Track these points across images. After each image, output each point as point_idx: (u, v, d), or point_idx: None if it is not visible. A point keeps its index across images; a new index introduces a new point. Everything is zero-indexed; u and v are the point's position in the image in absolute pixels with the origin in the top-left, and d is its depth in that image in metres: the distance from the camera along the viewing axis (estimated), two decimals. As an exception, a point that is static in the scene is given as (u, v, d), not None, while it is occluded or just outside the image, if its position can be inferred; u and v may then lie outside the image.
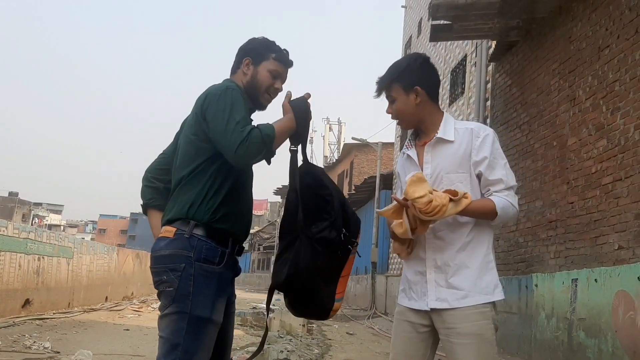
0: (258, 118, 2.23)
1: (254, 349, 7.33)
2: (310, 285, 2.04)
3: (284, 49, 2.29)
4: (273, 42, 2.28)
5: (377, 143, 20.85)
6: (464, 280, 2.02)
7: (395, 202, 2.04)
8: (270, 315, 14.79)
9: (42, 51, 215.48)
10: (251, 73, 2.23)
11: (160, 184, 2.29)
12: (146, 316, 10.75)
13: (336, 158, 36.17)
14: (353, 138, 22.65)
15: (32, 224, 54.15)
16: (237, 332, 6.87)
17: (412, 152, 2.19)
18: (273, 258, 37.23)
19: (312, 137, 43.16)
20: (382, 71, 2.22)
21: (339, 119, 44.19)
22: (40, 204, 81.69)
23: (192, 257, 2.02)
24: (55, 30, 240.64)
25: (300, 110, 2.13)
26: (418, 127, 2.21)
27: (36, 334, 6.97)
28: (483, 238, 2.07)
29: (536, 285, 6.37)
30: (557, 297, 5.85)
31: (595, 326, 5.03)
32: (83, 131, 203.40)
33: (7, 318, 8.08)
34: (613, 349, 4.72)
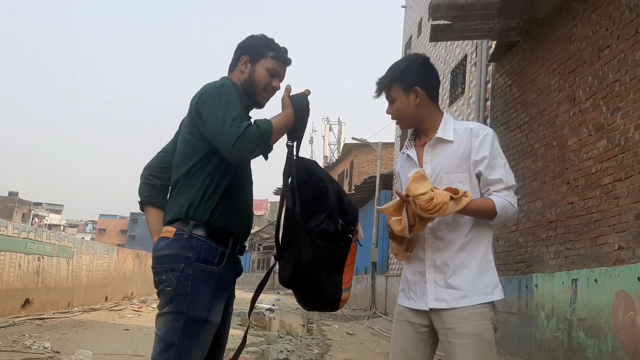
0: (257, 115, 2.23)
1: (254, 349, 7.37)
2: (315, 280, 2.05)
3: (283, 47, 2.27)
4: (272, 40, 2.27)
5: (377, 143, 20.85)
6: (462, 280, 2.02)
7: (396, 199, 2.04)
8: (270, 315, 14.81)
9: (42, 51, 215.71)
10: (249, 71, 2.22)
11: (157, 182, 2.29)
12: (146, 316, 10.74)
13: (336, 158, 36.18)
14: (353, 138, 22.66)
15: (32, 224, 54.15)
16: (237, 332, 6.87)
17: (412, 152, 2.19)
18: (273, 258, 37.16)
19: (312, 137, 43.32)
20: (382, 71, 2.23)
21: (339, 119, 44.23)
22: (40, 204, 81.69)
23: (192, 258, 2.02)
24: (55, 30, 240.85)
25: (299, 106, 2.12)
26: (418, 127, 2.21)
27: (36, 334, 6.97)
28: (482, 238, 2.07)
29: (536, 286, 6.37)
30: (557, 298, 5.85)
31: (595, 326, 5.03)
32: (83, 131, 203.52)
33: (7, 318, 8.08)
34: (613, 349, 4.72)
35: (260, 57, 2.22)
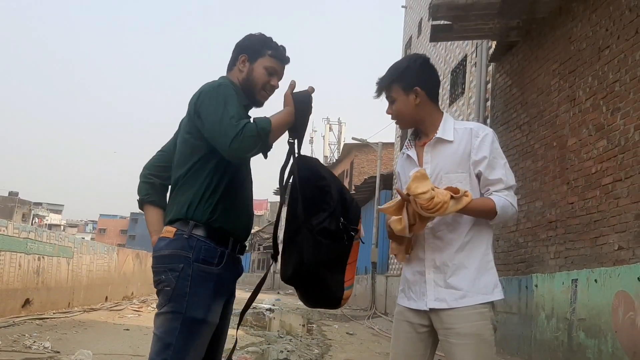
0: (256, 114, 2.23)
1: (254, 349, 7.36)
2: (317, 278, 2.05)
3: (281, 46, 2.27)
4: (270, 39, 2.27)
5: (377, 143, 20.85)
6: (462, 280, 2.02)
7: (397, 199, 2.04)
8: (270, 314, 14.80)
9: (42, 51, 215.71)
10: (247, 70, 2.22)
11: (157, 180, 2.29)
12: (146, 316, 10.74)
13: (336, 158, 36.18)
14: (353, 138, 22.65)
15: (32, 224, 54.17)
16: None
17: (412, 152, 2.20)
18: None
19: (312, 137, 43.29)
20: (382, 71, 2.23)
21: (339, 119, 44.26)
22: (40, 204, 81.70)
23: (191, 258, 2.02)
24: (55, 30, 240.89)
25: (301, 103, 2.11)
26: (418, 128, 2.22)
27: (36, 334, 6.97)
28: (482, 238, 2.07)
29: (536, 286, 6.37)
30: (557, 298, 5.85)
31: (595, 326, 5.03)
32: (83, 131, 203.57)
33: (7, 318, 8.08)
34: (613, 349, 4.72)
35: (259, 56, 2.22)
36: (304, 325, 12.48)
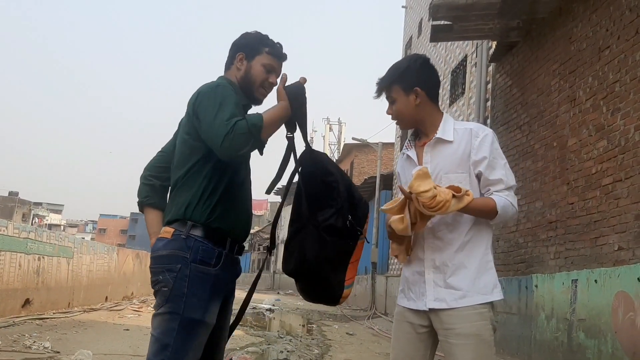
0: (257, 110, 2.21)
1: (254, 349, 7.37)
2: (319, 275, 2.04)
3: (278, 43, 2.27)
4: (266, 36, 2.27)
5: (377, 143, 20.85)
6: (462, 281, 2.02)
7: (400, 198, 2.03)
8: (270, 315, 14.80)
9: (42, 51, 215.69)
10: (245, 68, 2.22)
11: (157, 182, 2.29)
12: (146, 316, 10.73)
13: (336, 158, 36.16)
14: (353, 138, 22.65)
15: (32, 224, 54.18)
16: (237, 332, 6.87)
17: (412, 153, 2.20)
18: (273, 258, 37.27)
19: (312, 138, 43.26)
20: (383, 71, 2.23)
21: (339, 119, 44.23)
22: (40, 204, 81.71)
23: (188, 258, 2.01)
24: (54, 31, 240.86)
25: (295, 96, 2.09)
26: (418, 128, 2.22)
27: (36, 334, 6.97)
28: (481, 238, 2.07)
29: (536, 286, 6.37)
30: (557, 298, 5.84)
31: (595, 327, 5.03)
32: (83, 131, 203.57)
33: (7, 318, 8.08)
34: (613, 349, 4.72)
35: (256, 54, 2.22)
36: (303, 326, 12.48)
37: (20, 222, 33.26)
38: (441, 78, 2.50)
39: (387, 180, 18.78)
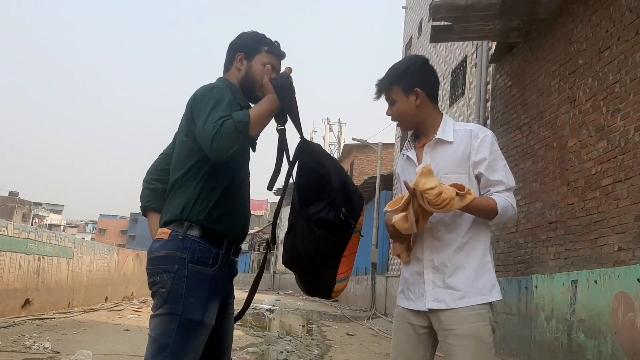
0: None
1: (254, 349, 7.36)
2: (309, 268, 2.04)
3: (275, 41, 2.26)
4: (263, 35, 2.26)
5: (377, 144, 20.85)
6: (461, 281, 2.02)
7: (402, 197, 2.02)
8: (270, 315, 14.80)
9: (42, 51, 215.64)
10: (245, 68, 2.21)
11: (159, 185, 2.28)
12: (146, 316, 10.70)
13: (336, 159, 36.12)
14: (353, 139, 22.63)
15: (32, 224, 54.18)
16: (237, 333, 6.87)
17: (412, 154, 2.20)
18: (273, 258, 37.26)
19: (312, 138, 43.31)
20: (383, 72, 2.23)
21: (339, 119, 44.16)
22: (40, 204, 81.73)
23: (186, 259, 2.01)
24: (54, 31, 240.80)
25: (281, 87, 2.07)
26: (418, 129, 2.22)
27: (36, 334, 6.97)
28: (480, 239, 2.08)
29: (536, 287, 6.37)
30: (557, 299, 5.85)
31: (595, 327, 5.03)
32: (83, 131, 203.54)
33: (7, 318, 8.08)
34: (613, 350, 4.72)
35: (255, 53, 2.21)
36: (303, 326, 12.48)
37: (20, 222, 33.27)
38: (441, 79, 2.51)
39: (387, 181, 18.77)
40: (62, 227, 79.00)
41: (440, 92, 2.31)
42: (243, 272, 52.40)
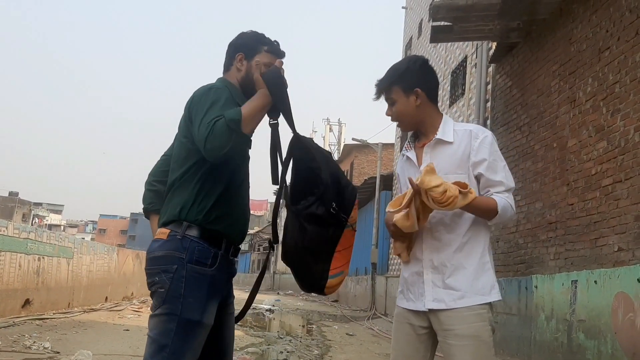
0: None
1: (254, 349, 7.36)
2: (299, 263, 2.03)
3: (275, 40, 2.26)
4: (263, 35, 2.25)
5: (377, 144, 20.85)
6: (460, 281, 2.02)
7: (406, 196, 2.01)
8: (270, 315, 14.81)
9: (41, 52, 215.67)
10: (245, 68, 2.20)
11: (161, 187, 2.28)
12: (146, 316, 10.69)
13: (336, 159, 36.17)
14: (353, 139, 22.64)
15: (32, 224, 54.18)
16: (237, 333, 6.85)
17: (411, 154, 2.20)
18: (273, 258, 37.24)
19: (312, 138, 43.30)
20: (383, 72, 2.23)
21: (339, 119, 44.20)
22: (40, 204, 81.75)
23: (184, 259, 2.00)
24: (54, 31, 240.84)
25: (272, 81, 2.05)
26: (418, 129, 2.22)
27: (36, 334, 6.97)
28: (479, 239, 2.08)
29: (536, 287, 6.37)
30: (557, 299, 5.85)
31: (595, 328, 5.04)
32: (83, 131, 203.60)
33: (7, 318, 8.08)
34: (612, 350, 4.72)
35: (255, 53, 2.21)
36: (303, 326, 12.48)
37: (20, 222, 33.27)
38: (441, 79, 2.51)
39: (387, 181, 18.77)
40: (62, 227, 79.01)
41: (440, 92, 2.32)
42: (243, 272, 52.38)
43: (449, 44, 11.90)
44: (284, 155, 2.09)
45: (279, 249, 2.08)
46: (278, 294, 29.00)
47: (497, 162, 2.08)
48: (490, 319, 2.02)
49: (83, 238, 21.74)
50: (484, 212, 2.03)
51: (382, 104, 2.22)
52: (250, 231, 46.22)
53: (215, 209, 2.06)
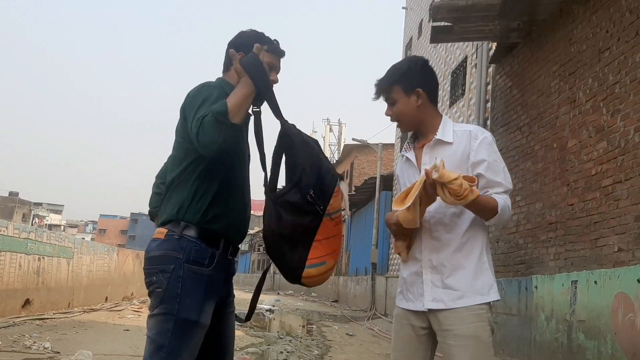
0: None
1: (254, 349, 7.36)
2: (276, 251, 2.01)
3: (274, 39, 2.25)
4: (262, 34, 2.24)
5: (377, 144, 20.87)
6: (459, 281, 2.03)
7: (411, 193, 1.98)
8: (270, 315, 14.81)
9: (41, 52, 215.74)
10: None
11: None
12: (146, 316, 10.71)
13: (336, 159, 36.18)
14: (353, 139, 22.67)
15: (32, 224, 54.20)
16: (237, 333, 6.86)
17: (411, 155, 2.20)
18: (273, 259, 37.18)
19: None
20: (382, 72, 2.23)
21: (339, 119, 44.27)
22: (40, 204, 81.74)
23: (182, 259, 2.00)
24: (53, 31, 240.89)
25: (251, 67, 2.03)
26: (417, 129, 2.22)
27: (36, 334, 6.97)
28: (478, 239, 2.08)
29: (536, 287, 6.37)
30: (557, 299, 5.85)
31: (595, 328, 5.04)
32: (83, 131, 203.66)
33: (7, 318, 8.08)
34: (612, 350, 4.72)
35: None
36: (303, 326, 12.48)
37: (20, 222, 33.30)
38: (441, 79, 2.52)
39: (387, 181, 18.78)
40: (62, 227, 79.03)
41: (440, 92, 2.33)
42: (243, 272, 52.38)
43: (449, 44, 11.91)
44: (267, 144, 2.09)
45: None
46: (278, 294, 29.00)
47: (497, 163, 2.08)
48: (490, 319, 2.03)
49: (83, 238, 21.76)
50: (485, 211, 2.02)
51: (382, 104, 2.22)
52: (251, 231, 46.22)
53: (213, 208, 2.05)
